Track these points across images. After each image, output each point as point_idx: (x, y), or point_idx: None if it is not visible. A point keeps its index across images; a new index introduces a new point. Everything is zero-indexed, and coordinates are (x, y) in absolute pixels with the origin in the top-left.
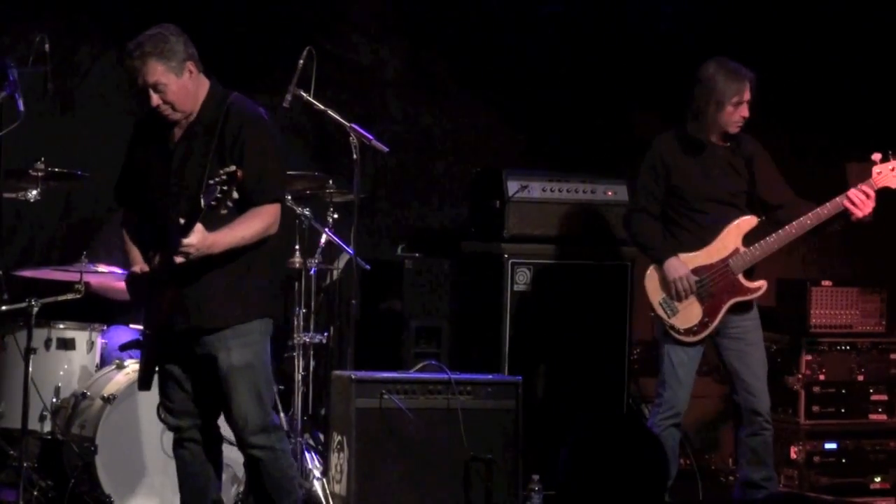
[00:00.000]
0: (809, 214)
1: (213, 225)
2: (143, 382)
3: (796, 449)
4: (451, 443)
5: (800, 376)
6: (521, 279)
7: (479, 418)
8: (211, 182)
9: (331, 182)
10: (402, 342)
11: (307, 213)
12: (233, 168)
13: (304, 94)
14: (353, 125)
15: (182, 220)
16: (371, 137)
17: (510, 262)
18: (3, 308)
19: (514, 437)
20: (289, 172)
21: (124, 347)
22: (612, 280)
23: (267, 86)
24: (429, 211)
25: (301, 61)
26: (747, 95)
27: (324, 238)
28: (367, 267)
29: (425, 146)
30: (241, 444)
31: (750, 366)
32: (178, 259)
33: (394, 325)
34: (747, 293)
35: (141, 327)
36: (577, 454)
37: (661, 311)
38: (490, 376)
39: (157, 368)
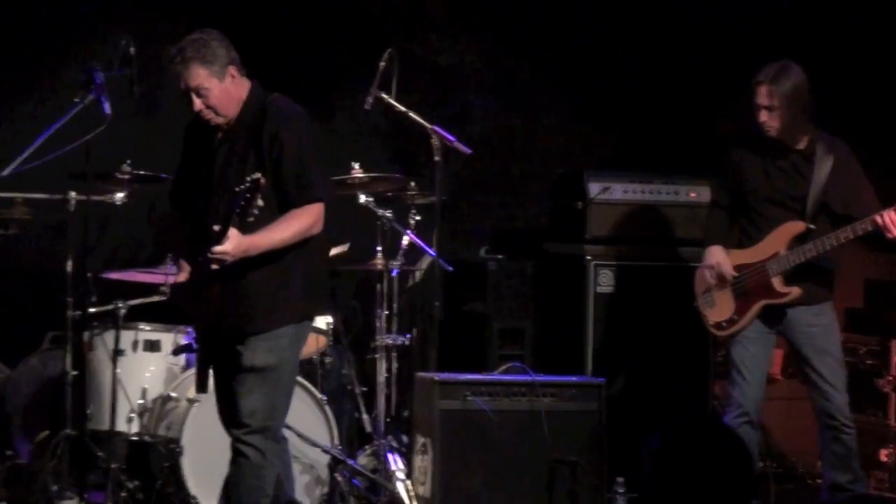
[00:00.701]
0: (846, 228)
1: (251, 227)
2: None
3: (886, 452)
4: (534, 445)
5: (889, 378)
6: (604, 280)
7: (562, 420)
8: (237, 189)
9: (412, 184)
10: (486, 344)
11: (389, 214)
12: (257, 175)
13: (386, 97)
14: (435, 127)
15: (216, 228)
16: (453, 139)
17: (592, 263)
18: (92, 310)
19: (597, 438)
20: (371, 174)
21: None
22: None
23: (348, 88)
24: (511, 212)
25: (382, 63)
26: (758, 100)
27: (406, 240)
28: (450, 269)
29: (507, 147)
30: (235, 440)
31: (820, 371)
32: (213, 266)
33: (477, 327)
34: (777, 297)
35: None
36: (663, 457)
37: (700, 301)
38: (573, 378)
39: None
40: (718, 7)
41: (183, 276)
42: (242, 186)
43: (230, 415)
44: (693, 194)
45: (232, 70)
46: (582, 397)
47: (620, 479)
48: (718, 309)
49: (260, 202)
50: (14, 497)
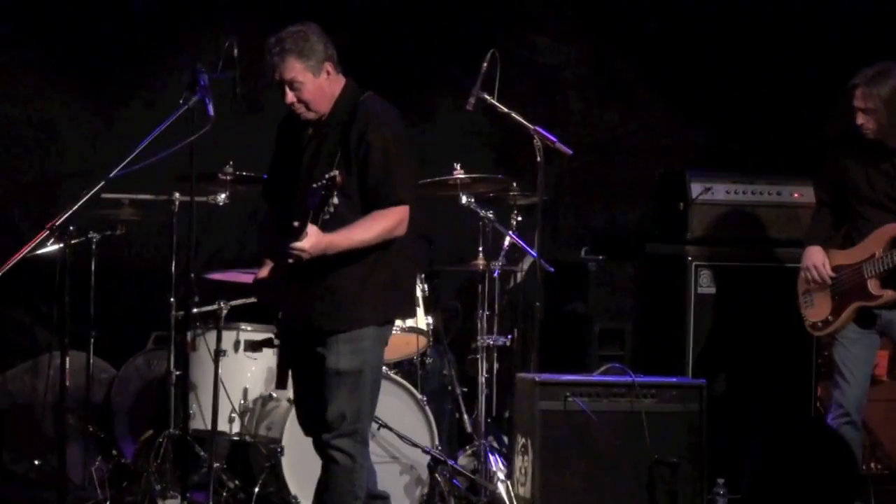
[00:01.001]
0: None
1: (329, 226)
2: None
3: None
4: (635, 446)
5: None
6: (705, 281)
7: (663, 421)
8: (315, 186)
9: (514, 184)
10: (586, 344)
11: (490, 215)
12: (334, 173)
13: (488, 97)
14: (537, 127)
15: (296, 224)
16: (555, 139)
17: (693, 264)
18: (195, 311)
19: (698, 440)
20: (473, 175)
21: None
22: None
23: (450, 88)
24: (612, 213)
25: (485, 64)
26: (855, 103)
27: (507, 240)
28: (551, 269)
29: (609, 147)
30: (325, 444)
31: None
32: (290, 260)
33: (577, 328)
34: (871, 300)
35: None
36: (765, 458)
37: (801, 300)
38: (674, 379)
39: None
40: (827, 6)
41: (265, 272)
42: (320, 183)
43: (312, 418)
44: (797, 195)
45: (328, 66)
46: (683, 398)
47: (721, 481)
48: (816, 309)
49: (335, 200)
50: (118, 496)
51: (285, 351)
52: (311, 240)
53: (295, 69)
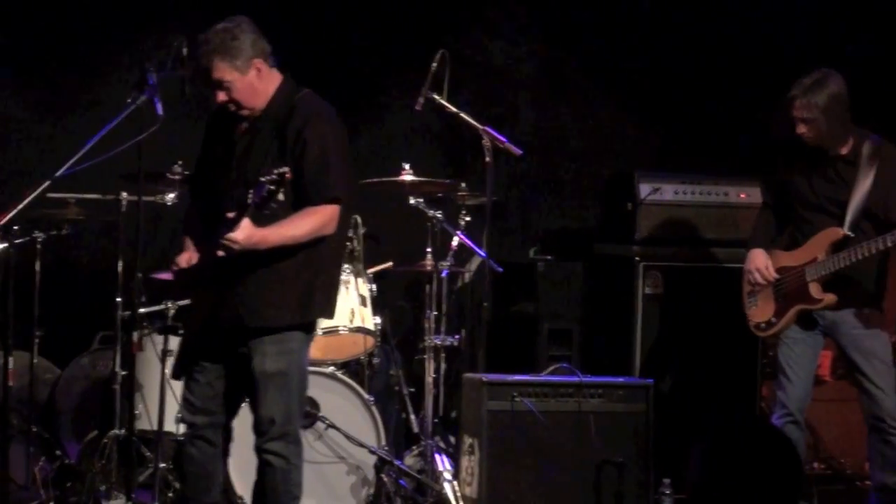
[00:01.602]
0: (878, 239)
1: (263, 221)
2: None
3: None
4: (581, 446)
5: None
6: (653, 282)
7: (610, 421)
8: (262, 179)
9: (463, 185)
10: (534, 345)
11: (439, 215)
12: (284, 169)
13: (437, 97)
14: (487, 127)
15: (230, 215)
16: (504, 140)
17: (641, 264)
18: (141, 311)
19: (645, 440)
20: (422, 178)
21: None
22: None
23: (399, 88)
24: (561, 213)
25: (434, 64)
26: (794, 113)
27: (455, 241)
28: (500, 269)
29: (558, 148)
30: (258, 448)
31: (867, 373)
32: (220, 252)
33: (525, 328)
34: (812, 303)
35: None
36: (710, 458)
37: (745, 301)
38: (621, 379)
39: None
40: (771, 8)
41: (183, 260)
42: (267, 177)
43: (203, 408)
44: (744, 195)
45: (258, 63)
46: (630, 398)
47: (667, 481)
48: (760, 310)
49: (281, 196)
50: (62, 497)
51: (192, 344)
52: (245, 231)
53: (222, 69)
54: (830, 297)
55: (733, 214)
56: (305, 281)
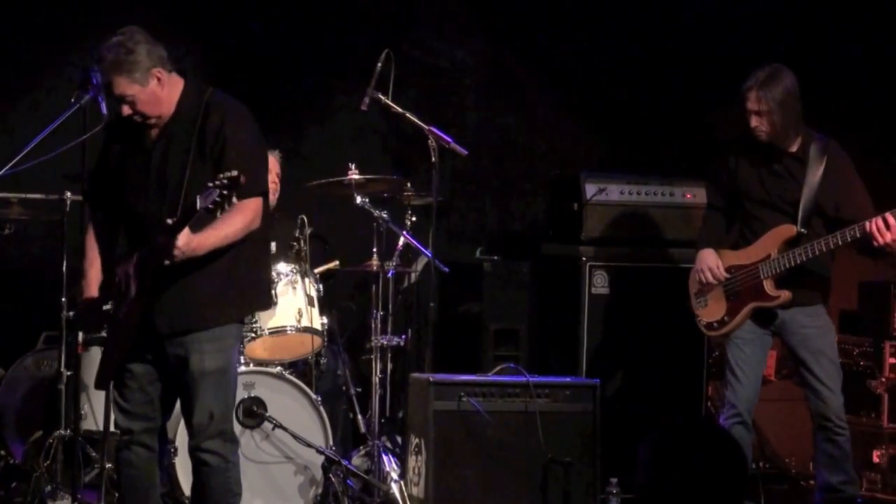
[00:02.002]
0: (836, 234)
1: (193, 226)
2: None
3: (879, 453)
4: (528, 446)
5: (883, 380)
6: (599, 282)
7: (557, 421)
8: (210, 185)
9: (409, 185)
10: (481, 345)
11: (385, 215)
12: (234, 173)
13: (382, 97)
14: (432, 128)
15: (170, 221)
16: (450, 140)
17: (588, 265)
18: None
19: (591, 439)
20: (367, 176)
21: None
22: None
23: (345, 88)
24: (507, 213)
25: (379, 64)
26: (748, 105)
27: (401, 241)
28: (446, 269)
29: (504, 148)
30: (194, 448)
31: (815, 372)
32: (166, 261)
33: (472, 328)
34: (768, 300)
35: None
36: (656, 458)
37: (693, 302)
38: (568, 379)
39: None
40: (716, 7)
41: (93, 290)
42: (217, 182)
43: (143, 418)
44: (689, 196)
45: (156, 72)
46: (576, 398)
47: (614, 480)
48: (710, 310)
49: (235, 200)
50: (7, 497)
51: (119, 351)
52: (183, 238)
53: (122, 85)
54: (786, 294)
55: (679, 214)
56: (240, 277)
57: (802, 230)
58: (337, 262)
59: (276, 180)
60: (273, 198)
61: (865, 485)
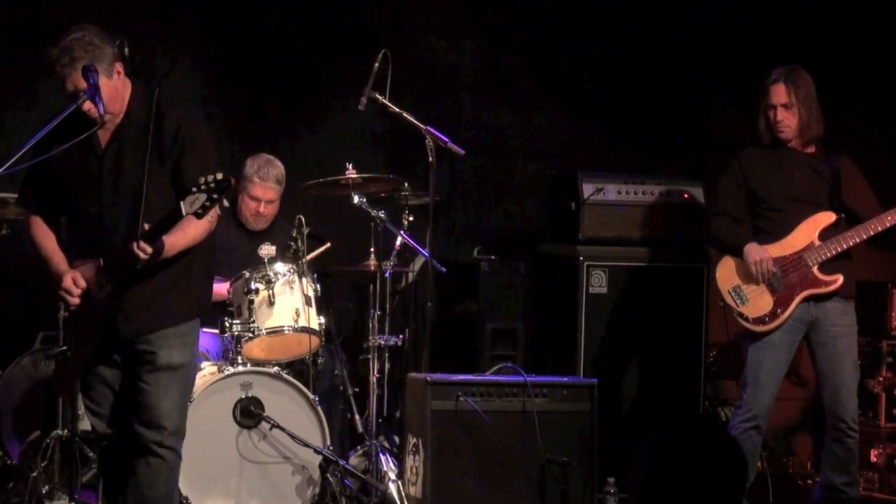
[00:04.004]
0: (879, 218)
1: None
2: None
3: (876, 452)
4: (526, 445)
5: (880, 379)
6: (597, 281)
7: (554, 421)
8: (195, 190)
9: (406, 185)
10: (478, 344)
11: (382, 215)
12: (220, 176)
13: (380, 97)
14: (429, 128)
15: (147, 226)
16: (447, 140)
17: (585, 264)
18: None
19: (589, 439)
20: (365, 176)
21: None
22: (688, 282)
23: (342, 88)
24: (505, 213)
25: (376, 64)
26: (774, 99)
27: (399, 240)
28: (443, 269)
29: (501, 148)
30: (151, 443)
31: (837, 372)
32: (138, 266)
33: (469, 327)
34: (822, 286)
35: (212, 329)
36: (654, 457)
37: (729, 300)
38: (565, 379)
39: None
40: (714, 8)
41: (76, 284)
42: (204, 186)
43: (120, 415)
44: (687, 194)
45: (118, 67)
46: (574, 398)
47: (611, 480)
48: (754, 304)
49: (226, 203)
50: (4, 498)
51: (83, 357)
52: (157, 243)
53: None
54: (840, 278)
55: (676, 214)
56: (199, 273)
57: (842, 215)
58: (328, 244)
59: (272, 209)
60: (264, 222)
61: (863, 484)
